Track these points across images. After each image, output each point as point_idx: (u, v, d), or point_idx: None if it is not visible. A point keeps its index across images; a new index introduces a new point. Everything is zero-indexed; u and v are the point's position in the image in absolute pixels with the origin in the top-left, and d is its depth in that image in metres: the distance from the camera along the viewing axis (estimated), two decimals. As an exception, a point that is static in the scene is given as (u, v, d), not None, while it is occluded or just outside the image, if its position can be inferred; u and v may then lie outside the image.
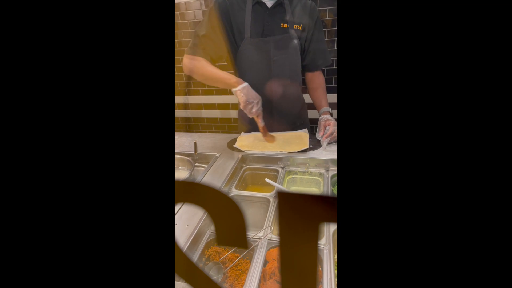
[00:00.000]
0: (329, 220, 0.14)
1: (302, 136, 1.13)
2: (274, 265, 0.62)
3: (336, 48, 1.76)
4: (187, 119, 2.21)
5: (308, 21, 1.10)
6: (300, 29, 1.10)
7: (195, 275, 0.20)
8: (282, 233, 0.15)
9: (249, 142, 1.11)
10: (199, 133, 1.33)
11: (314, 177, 0.95)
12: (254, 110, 0.99)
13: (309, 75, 1.21)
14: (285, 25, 1.07)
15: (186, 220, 0.77)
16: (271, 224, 0.75)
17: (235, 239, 0.17)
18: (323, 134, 1.04)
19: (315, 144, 1.08)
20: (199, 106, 2.18)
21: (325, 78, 1.82)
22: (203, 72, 1.06)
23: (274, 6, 1.05)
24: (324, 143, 1.03)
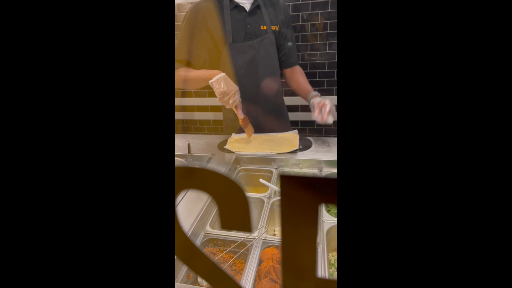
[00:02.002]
0: (330, 202, 0.14)
1: (291, 137, 1.14)
2: (269, 264, 0.62)
3: (327, 51, 1.79)
4: (181, 121, 2.20)
5: (282, 21, 1.14)
6: (277, 29, 1.14)
7: (196, 257, 0.21)
8: (284, 216, 0.16)
9: (240, 143, 1.12)
10: (192, 135, 1.33)
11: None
12: (231, 101, 0.98)
13: (287, 70, 1.24)
14: (264, 27, 1.10)
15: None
16: (266, 224, 0.75)
17: (239, 223, 0.17)
18: (319, 114, 0.99)
19: (305, 145, 1.09)
20: (191, 108, 2.18)
21: (317, 81, 1.85)
22: (186, 79, 1.06)
23: (252, 9, 1.07)
24: (328, 119, 0.97)
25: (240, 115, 1.04)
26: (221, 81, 0.96)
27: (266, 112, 1.19)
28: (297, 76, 1.22)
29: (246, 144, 1.10)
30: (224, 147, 1.11)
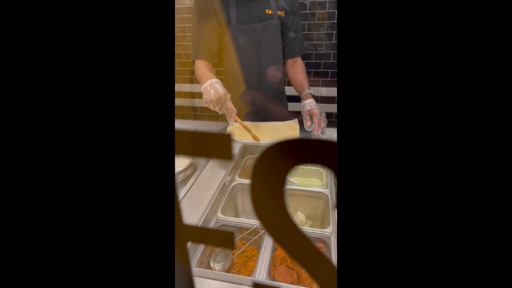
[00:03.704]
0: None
1: (292, 126, 1.14)
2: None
3: (333, 41, 1.77)
4: (193, 108, 2.19)
5: (289, 8, 1.11)
6: (283, 15, 1.11)
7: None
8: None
9: (240, 131, 1.10)
10: (198, 121, 1.32)
11: (317, 168, 0.97)
12: (217, 108, 0.93)
13: (290, 61, 1.22)
14: (270, 11, 1.08)
15: (192, 206, 0.77)
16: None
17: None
18: (310, 125, 1.06)
19: (305, 134, 1.10)
20: (192, 95, 2.16)
21: (322, 72, 1.85)
22: (197, 76, 1.06)
23: None
24: (319, 134, 1.04)
25: (231, 123, 0.98)
26: (209, 89, 0.92)
27: (267, 99, 1.19)
28: (297, 69, 1.20)
29: (245, 132, 1.10)
30: None
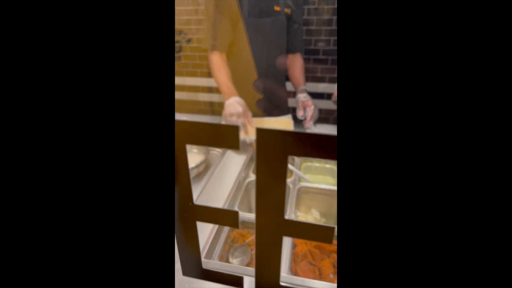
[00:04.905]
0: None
1: (286, 122, 1.18)
2: (305, 247, 0.65)
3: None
4: (209, 103, 2.17)
5: (294, 5, 1.15)
6: (289, 13, 1.15)
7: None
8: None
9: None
10: (211, 116, 1.33)
11: (331, 166, 0.98)
12: (236, 121, 0.98)
13: (290, 56, 1.26)
14: (278, 8, 1.12)
15: (209, 202, 0.78)
16: (295, 209, 0.78)
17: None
18: (303, 115, 1.12)
19: (300, 129, 1.14)
20: (196, 89, 2.15)
21: (329, 68, 1.85)
22: (214, 77, 1.11)
23: None
24: (310, 126, 1.09)
25: (247, 139, 1.01)
26: (229, 107, 0.98)
27: (270, 93, 1.24)
28: (296, 65, 1.25)
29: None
30: None
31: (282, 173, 0.23)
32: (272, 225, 0.28)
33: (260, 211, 0.28)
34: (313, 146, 0.22)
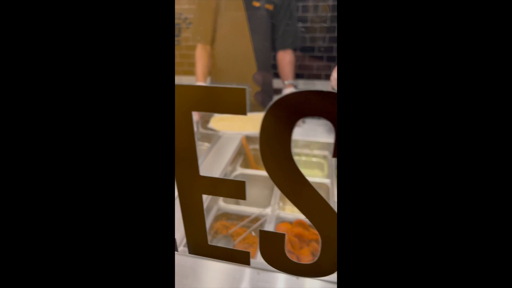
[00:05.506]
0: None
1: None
2: (286, 238, 0.64)
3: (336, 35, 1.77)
4: None
5: (280, 2, 1.16)
6: (271, 9, 1.15)
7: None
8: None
9: (224, 122, 1.08)
10: (200, 113, 1.33)
11: (318, 160, 0.97)
12: None
13: (280, 53, 1.27)
14: (257, 4, 1.13)
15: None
16: (279, 200, 0.77)
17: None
18: None
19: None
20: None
21: (329, 65, 1.85)
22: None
23: None
24: (299, 123, 1.08)
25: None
26: None
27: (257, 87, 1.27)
28: (285, 61, 1.25)
29: (230, 123, 1.08)
30: (208, 126, 1.08)
31: (188, 128, 0.23)
32: (189, 182, 0.30)
33: (178, 169, 0.30)
34: (220, 100, 0.22)
